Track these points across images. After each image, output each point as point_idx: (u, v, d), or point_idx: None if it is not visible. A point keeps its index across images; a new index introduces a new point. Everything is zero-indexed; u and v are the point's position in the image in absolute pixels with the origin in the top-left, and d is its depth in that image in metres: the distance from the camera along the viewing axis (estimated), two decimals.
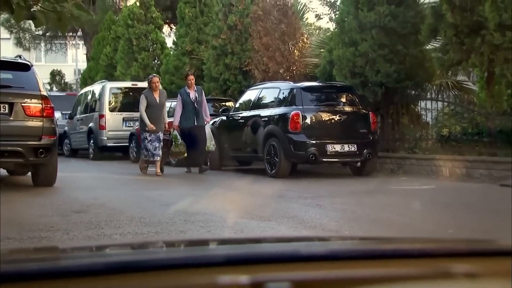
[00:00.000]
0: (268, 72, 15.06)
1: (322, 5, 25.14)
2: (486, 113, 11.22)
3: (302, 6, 18.98)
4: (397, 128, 13.10)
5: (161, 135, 11.82)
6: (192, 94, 12.28)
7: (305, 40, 15.94)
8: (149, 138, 11.70)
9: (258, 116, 12.25)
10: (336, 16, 15.04)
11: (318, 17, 25.65)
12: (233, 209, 7.73)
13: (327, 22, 24.07)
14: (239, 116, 12.96)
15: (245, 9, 16.53)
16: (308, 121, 11.39)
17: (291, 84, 12.35)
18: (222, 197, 8.97)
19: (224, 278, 0.99)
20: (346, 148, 11.39)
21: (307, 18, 20.05)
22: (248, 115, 12.66)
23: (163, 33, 23.60)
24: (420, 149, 12.34)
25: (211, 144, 12.53)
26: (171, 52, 20.30)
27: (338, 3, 18.92)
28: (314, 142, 11.24)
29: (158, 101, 11.73)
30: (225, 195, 9.19)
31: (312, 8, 29.30)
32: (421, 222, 6.76)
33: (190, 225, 5.96)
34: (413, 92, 13.38)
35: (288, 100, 11.87)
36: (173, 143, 11.98)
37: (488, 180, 10.30)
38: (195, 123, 12.16)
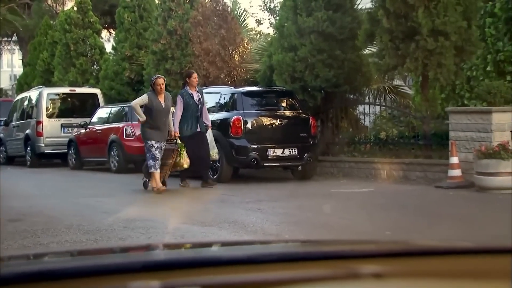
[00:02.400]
0: (208, 77, 15.06)
1: (263, 11, 25.37)
2: (422, 117, 11.53)
3: (242, 12, 19.07)
4: (336, 132, 13.31)
5: (162, 144, 10.10)
6: (196, 96, 10.67)
7: (245, 45, 16.01)
8: (156, 145, 9.95)
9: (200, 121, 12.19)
10: (276, 21, 15.16)
11: (259, 22, 25.85)
12: (174, 215, 7.69)
13: (268, 27, 24.29)
14: None
15: (184, 14, 16.48)
16: (249, 126, 11.45)
17: (232, 89, 12.38)
18: (164, 203, 8.91)
19: (135, 285, 1.00)
20: (287, 152, 11.50)
21: (247, 24, 20.15)
22: None
23: (102, 38, 23.25)
24: (359, 152, 12.57)
25: (214, 152, 10.87)
26: (110, 57, 20.01)
27: (277, 8, 19.12)
28: (255, 146, 11.30)
29: (163, 105, 10.03)
30: (166, 201, 9.13)
31: (253, 13, 29.54)
32: (360, 224, 6.90)
33: (130, 231, 5.90)
34: (351, 96, 13.63)
35: (229, 105, 11.90)
36: (179, 153, 10.25)
37: (424, 182, 10.58)
38: (198, 129, 10.63)
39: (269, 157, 11.36)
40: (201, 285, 1.02)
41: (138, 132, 14.41)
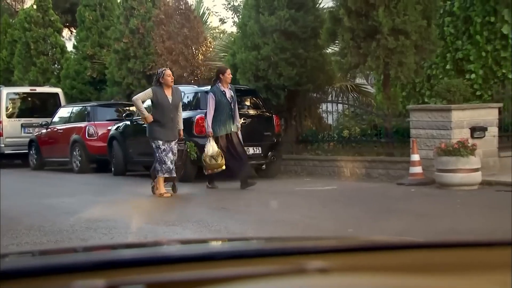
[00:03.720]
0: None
1: (226, 9, 25.34)
2: (383, 115, 11.68)
3: (205, 10, 19.03)
4: (300, 130, 13.39)
5: (174, 145, 9.24)
6: (228, 93, 10.08)
7: (208, 44, 15.98)
8: (163, 147, 9.07)
9: None
10: (239, 20, 15.17)
11: (222, 21, 25.84)
12: (137, 214, 7.64)
13: (231, 25, 24.26)
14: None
15: (147, 13, 16.38)
16: None
17: (195, 88, 12.35)
18: (127, 203, 8.84)
19: (78, 284, 1.00)
20: (251, 150, 11.51)
21: (211, 22, 20.12)
22: None
23: (63, 36, 22.95)
24: (323, 150, 12.67)
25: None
26: (72, 56, 19.77)
27: (241, 7, 19.12)
28: (219, 145, 11.26)
29: (170, 100, 9.14)
30: (129, 201, 9.07)
31: (216, 12, 29.53)
32: (323, 221, 6.95)
33: (92, 232, 5.85)
34: (315, 94, 13.72)
35: (193, 104, 11.86)
36: (188, 155, 9.84)
37: (386, 179, 10.72)
38: (232, 129, 10.07)
39: None
40: (145, 283, 1.02)
41: (100, 131, 14.32)
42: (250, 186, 9.77)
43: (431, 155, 9.78)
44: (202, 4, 19.16)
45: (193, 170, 11.50)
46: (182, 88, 12.67)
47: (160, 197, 8.92)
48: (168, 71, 9.33)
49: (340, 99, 14.41)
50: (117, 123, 13.65)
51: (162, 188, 9.05)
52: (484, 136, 9.95)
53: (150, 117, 9.08)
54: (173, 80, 9.31)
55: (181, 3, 15.37)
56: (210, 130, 9.84)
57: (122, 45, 16.47)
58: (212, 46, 16.42)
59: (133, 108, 14.72)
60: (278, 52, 12.66)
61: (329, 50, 13.46)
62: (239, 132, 10.20)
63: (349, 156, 11.68)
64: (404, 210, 7.58)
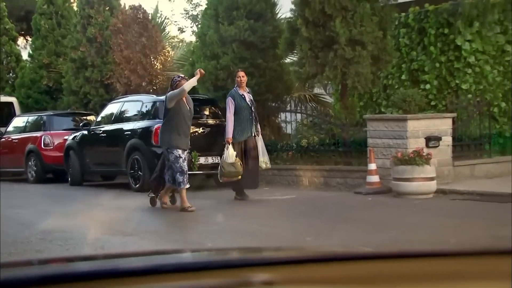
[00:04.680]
0: (130, 85, 14.88)
1: (185, 18, 25.31)
2: (341, 124, 11.80)
3: (163, 19, 18.96)
4: None
5: (188, 154, 8.88)
6: (247, 97, 9.71)
7: (167, 53, 15.93)
8: (183, 156, 8.56)
9: (121, 130, 12.06)
10: (198, 29, 15.17)
11: (181, 30, 25.80)
12: (94, 225, 7.54)
13: (191, 35, 24.23)
14: (101, 130, 12.68)
15: (104, 22, 16.24)
16: None
17: (154, 97, 12.28)
18: (84, 214, 8.71)
19: None
20: (210, 160, 11.50)
21: (169, 31, 20.06)
22: (110, 129, 12.43)
23: (18, 45, 22.54)
24: (281, 159, 12.72)
25: (266, 159, 9.76)
26: (27, 65, 19.44)
27: (200, 16, 19.11)
28: None
29: (189, 108, 8.77)
30: (86, 211, 8.94)
31: (175, 21, 29.41)
32: (281, 231, 6.98)
33: (47, 243, 5.75)
34: (273, 104, 13.79)
35: (151, 113, 11.79)
36: (193, 164, 9.39)
37: (344, 188, 10.82)
38: (251, 134, 9.59)
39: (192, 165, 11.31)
40: None
41: (56, 141, 14.10)
42: (244, 200, 9.48)
43: (388, 164, 9.92)
44: (160, 13, 19.11)
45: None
46: (140, 97, 12.65)
47: (184, 212, 8.31)
48: (183, 82, 8.70)
49: (298, 108, 14.50)
50: (73, 133, 13.48)
51: (186, 201, 8.45)
52: (438, 146, 10.14)
53: (202, 71, 8.91)
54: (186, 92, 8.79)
55: (139, 12, 15.29)
56: (230, 136, 9.37)
57: (79, 54, 16.29)
58: (171, 55, 16.36)
59: (90, 118, 14.57)
60: (237, 61, 12.69)
61: (287, 60, 13.56)
62: (259, 138, 9.74)
63: (308, 165, 11.76)
64: (361, 219, 7.66)
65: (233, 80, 12.80)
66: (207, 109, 12.33)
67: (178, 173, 8.40)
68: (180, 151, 8.46)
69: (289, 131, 14.00)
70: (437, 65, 11.69)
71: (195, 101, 12.48)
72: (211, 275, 1.12)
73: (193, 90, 13.48)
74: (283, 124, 14.24)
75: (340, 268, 1.23)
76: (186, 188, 8.41)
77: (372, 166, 10.09)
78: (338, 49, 10.62)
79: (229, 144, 9.33)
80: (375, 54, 10.86)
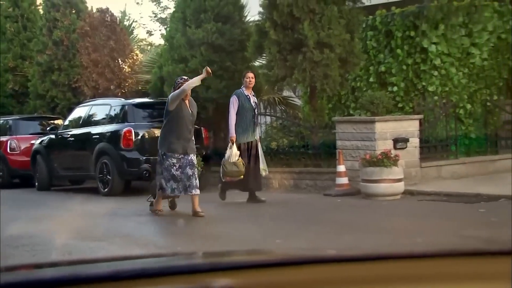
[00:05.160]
0: (98, 89, 14.75)
1: (153, 21, 25.19)
2: (310, 127, 11.86)
3: (131, 22, 18.84)
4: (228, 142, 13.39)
5: (194, 158, 8.33)
6: (252, 99, 9.54)
7: (135, 56, 15.83)
8: (178, 164, 8.09)
9: (89, 133, 11.94)
10: (166, 32, 15.10)
11: (149, 33, 25.67)
12: (62, 230, 7.45)
13: (159, 38, 24.10)
14: (68, 134, 12.55)
15: (71, 25, 16.06)
16: (140, 137, 11.32)
17: (122, 101, 12.21)
18: (51, 219, 8.60)
19: None
20: None
21: (137, 34, 19.93)
22: (78, 133, 12.30)
23: None
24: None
25: (265, 167, 9.63)
26: None
27: (168, 19, 19.03)
28: (147, 158, 11.19)
29: (190, 111, 8.41)
30: (54, 216, 8.83)
31: (143, 24, 29.25)
32: (251, 234, 6.99)
33: (13, 250, 5.66)
34: None
35: (120, 117, 11.71)
36: (197, 168, 9.25)
37: (313, 190, 10.87)
38: (252, 137, 9.48)
39: None
40: None
41: (23, 145, 13.90)
42: (260, 202, 9.32)
43: (357, 166, 10.00)
44: (128, 16, 18.98)
45: (120, 184, 11.36)
46: (108, 101, 12.55)
47: (154, 214, 8.24)
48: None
49: (267, 111, 14.54)
50: (41, 137, 13.31)
51: (160, 204, 8.35)
52: (406, 147, 10.26)
53: (209, 70, 8.35)
54: (189, 95, 8.44)
55: (107, 15, 15.17)
56: (234, 135, 9.24)
57: (45, 57, 16.08)
58: (139, 59, 16.27)
59: (58, 122, 14.40)
60: (206, 64, 12.63)
61: (256, 63, 13.58)
62: (259, 143, 9.70)
63: (278, 168, 11.78)
64: (331, 220, 7.71)
65: (202, 83, 12.76)
66: None
67: (171, 180, 8.07)
68: (174, 160, 8.08)
69: (258, 133, 14.02)
70: (404, 67, 11.83)
71: (164, 105, 12.42)
72: (173, 280, 1.11)
73: (161, 94, 13.46)
74: None
75: (307, 272, 1.22)
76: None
77: (341, 168, 10.16)
78: (306, 52, 10.67)
79: (233, 143, 9.17)
80: (343, 57, 10.95)
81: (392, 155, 9.51)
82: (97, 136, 11.71)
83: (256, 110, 9.53)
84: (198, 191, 8.09)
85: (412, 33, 11.69)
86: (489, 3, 12.16)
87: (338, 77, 10.90)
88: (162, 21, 23.87)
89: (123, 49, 15.09)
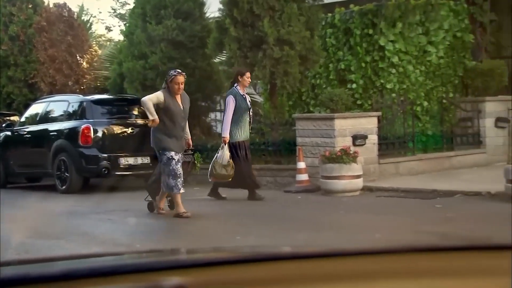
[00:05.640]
0: (55, 85, 14.52)
1: (112, 17, 24.92)
2: (271, 123, 11.90)
3: (90, 18, 18.59)
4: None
5: (180, 156, 8.03)
6: (247, 98, 9.44)
7: (94, 52, 15.63)
8: (176, 158, 7.87)
9: (46, 130, 11.76)
10: (125, 28, 14.95)
11: (108, 29, 25.38)
12: (19, 229, 7.33)
13: (118, 33, 23.88)
14: (25, 131, 12.33)
15: (27, 20, 15.76)
16: (99, 134, 11.21)
17: (80, 97, 12.05)
18: (8, 217, 8.44)
19: None
20: (140, 160, 11.38)
21: (96, 30, 19.69)
22: (35, 129, 12.10)
23: None
24: (212, 159, 12.70)
25: None
26: None
27: (127, 15, 18.84)
28: (106, 155, 11.09)
29: (182, 107, 8.03)
30: (11, 215, 8.66)
31: (102, 20, 28.87)
32: (211, 230, 7.00)
33: None
34: (203, 103, 13.76)
35: (78, 114, 11.56)
36: (196, 167, 8.79)
37: (274, 187, 10.91)
38: (247, 136, 9.38)
39: (121, 166, 11.20)
40: None
41: None
42: (259, 200, 9.23)
43: (316, 163, 10.08)
44: (86, 11, 18.71)
45: (79, 181, 11.23)
46: (66, 97, 12.37)
47: (178, 217, 7.73)
48: (180, 77, 7.95)
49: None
50: None
51: (182, 206, 7.86)
52: (365, 144, 10.39)
53: (157, 120, 7.81)
54: (181, 89, 7.99)
55: (64, 10, 14.95)
56: (227, 136, 9.02)
57: (1, 52, 15.75)
58: (98, 54, 16.07)
59: (14, 118, 14.12)
60: (166, 61, 12.60)
61: (216, 60, 13.56)
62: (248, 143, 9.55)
63: None
64: (291, 217, 7.76)
65: (162, 79, 12.69)
66: (136, 109, 12.19)
67: (171, 177, 7.77)
68: (172, 153, 7.80)
69: (219, 130, 14.01)
70: (363, 65, 11.96)
71: (123, 101, 12.39)
72: (126, 279, 1.10)
73: (121, 91, 13.34)
74: (213, 124, 14.24)
75: (262, 269, 1.21)
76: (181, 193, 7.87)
77: (301, 165, 10.23)
78: (266, 49, 10.71)
79: (225, 144, 8.99)
80: (303, 54, 11.01)
81: (351, 152, 9.61)
82: (55, 133, 11.55)
83: (250, 111, 9.36)
84: (183, 190, 7.90)
85: (371, 31, 11.83)
86: (445, 1, 12.40)
87: (298, 74, 10.96)
88: (121, 16, 23.63)
89: (81, 45, 14.89)
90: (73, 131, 11.26)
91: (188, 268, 1.19)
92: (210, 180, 9.20)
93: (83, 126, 11.13)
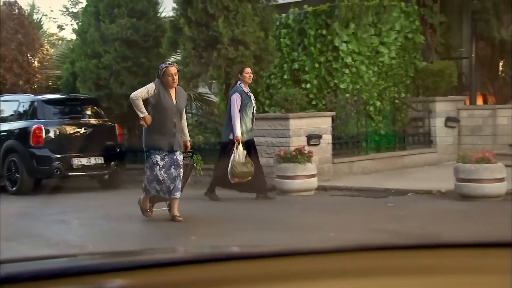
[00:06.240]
0: (5, 84, 14.20)
1: (64, 16, 24.52)
2: None
3: (41, 16, 18.25)
4: None
5: (179, 157, 7.43)
6: (251, 95, 9.24)
7: (45, 51, 15.35)
8: (161, 163, 7.31)
9: None
10: (78, 27, 14.72)
11: (61, 27, 24.94)
12: None
13: (71, 32, 23.48)
14: None
15: None
16: (51, 134, 11.03)
17: (31, 97, 11.83)
18: None
19: None
20: (93, 161, 11.25)
21: (48, 28, 19.33)
22: None
23: None
24: None
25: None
26: None
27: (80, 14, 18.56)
28: (58, 156, 10.93)
29: (175, 102, 7.44)
30: None
31: (54, 18, 28.29)
32: (164, 231, 6.96)
33: None
34: None
35: (29, 114, 11.35)
36: (195, 170, 8.39)
37: None
38: (252, 134, 9.21)
39: (74, 167, 11.06)
40: None
41: None
42: (271, 198, 9.14)
43: (272, 162, 10.13)
44: (37, 9, 18.36)
45: (30, 182, 11.03)
46: (16, 97, 12.12)
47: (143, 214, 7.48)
48: (171, 68, 7.41)
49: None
50: None
51: (147, 204, 7.56)
52: (319, 144, 10.49)
53: (149, 118, 7.32)
54: (175, 81, 7.41)
55: (14, 8, 14.63)
56: (240, 135, 8.74)
57: None
58: (50, 54, 15.79)
59: None
60: (120, 60, 12.47)
61: (171, 59, 13.49)
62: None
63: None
64: (246, 216, 7.78)
65: (115, 79, 12.57)
66: (89, 109, 12.05)
67: (151, 181, 7.31)
68: (157, 158, 7.25)
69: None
70: (317, 65, 12.07)
71: (76, 101, 12.21)
72: (64, 282, 1.09)
73: (73, 90, 13.13)
74: None
75: (210, 269, 1.20)
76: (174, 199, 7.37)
77: None
78: (221, 49, 10.70)
79: (239, 143, 8.73)
80: (257, 54, 11.04)
81: (305, 152, 9.69)
82: (5, 133, 11.31)
83: (255, 108, 9.19)
84: (179, 195, 7.37)
85: (324, 32, 11.95)
86: (396, 3, 12.62)
87: (253, 74, 10.97)
88: (74, 15, 23.24)
89: (32, 44, 14.61)
90: (24, 132, 11.05)
91: (138, 270, 1.17)
92: (232, 182, 8.88)
93: (34, 126, 10.94)
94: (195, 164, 8.32)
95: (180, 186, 7.27)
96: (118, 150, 11.72)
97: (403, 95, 12.72)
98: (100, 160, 11.32)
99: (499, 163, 8.46)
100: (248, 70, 9.21)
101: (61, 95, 12.80)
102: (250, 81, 9.24)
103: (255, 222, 7.33)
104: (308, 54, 12.14)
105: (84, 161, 11.17)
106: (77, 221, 7.69)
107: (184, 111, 7.71)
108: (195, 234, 6.64)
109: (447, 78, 12.65)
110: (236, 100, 8.88)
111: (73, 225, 7.32)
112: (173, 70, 7.35)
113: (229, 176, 8.76)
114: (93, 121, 11.78)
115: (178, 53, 12.67)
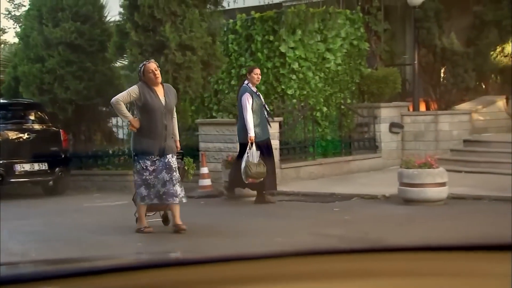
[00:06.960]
0: None
1: (7, 19, 24.00)
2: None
3: None
4: (89, 145, 13.08)
5: (172, 159, 6.85)
6: (261, 95, 9.16)
7: None
8: (151, 168, 6.80)
9: None
10: (21, 30, 14.42)
11: (3, 31, 24.39)
12: None
13: (14, 36, 22.95)
14: None
15: None
16: None
17: None
18: None
19: None
20: (36, 167, 11.03)
21: None
22: None
23: None
24: (113, 165, 12.49)
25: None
26: None
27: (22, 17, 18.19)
28: (0, 162, 10.66)
29: (164, 102, 6.85)
30: None
31: None
32: (112, 238, 6.87)
33: None
34: (104, 109, 13.49)
35: None
36: (186, 174, 7.93)
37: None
38: (268, 134, 9.00)
39: (17, 173, 10.84)
40: None
41: None
42: (270, 203, 8.97)
43: (219, 168, 10.13)
44: None
45: None
46: None
47: (139, 233, 6.91)
48: (151, 65, 6.87)
49: (130, 113, 14.31)
50: None
51: (143, 220, 6.98)
52: None
53: (137, 121, 6.83)
54: (158, 76, 6.83)
55: None
56: (253, 134, 8.54)
57: None
58: None
59: None
60: (64, 65, 12.28)
61: (118, 64, 13.34)
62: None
63: None
64: (193, 222, 7.75)
65: (60, 84, 12.35)
66: (32, 114, 11.81)
67: (142, 187, 6.81)
68: (148, 162, 6.73)
69: (121, 136, 13.78)
70: (264, 70, 12.13)
71: (18, 106, 11.94)
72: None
73: (16, 95, 12.84)
74: (114, 129, 13.98)
75: (152, 275, 1.20)
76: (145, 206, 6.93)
77: (204, 170, 10.24)
78: (168, 54, 10.66)
79: (252, 144, 8.55)
80: (205, 60, 11.04)
81: None
82: None
83: (266, 106, 9.07)
84: (177, 200, 6.79)
85: (271, 38, 12.04)
86: (341, 10, 12.82)
87: (200, 79, 10.98)
88: (16, 18, 22.75)
89: None
90: None
91: (78, 277, 1.17)
92: (246, 182, 8.77)
93: None
94: (186, 167, 7.92)
95: (173, 191, 6.73)
96: (63, 156, 11.53)
97: (348, 101, 12.91)
98: (44, 166, 11.11)
99: (441, 168, 8.67)
100: (257, 71, 9.04)
101: (3, 99, 12.51)
102: (258, 82, 9.15)
103: (201, 228, 7.31)
104: (256, 60, 12.20)
105: (27, 167, 10.95)
106: (19, 228, 7.51)
107: (175, 109, 7.16)
108: (140, 241, 6.57)
109: (391, 85, 12.92)
110: (247, 100, 8.68)
111: (15, 232, 7.14)
112: (152, 66, 6.83)
113: (243, 177, 8.62)
114: (36, 126, 11.54)
115: (124, 57, 12.54)
